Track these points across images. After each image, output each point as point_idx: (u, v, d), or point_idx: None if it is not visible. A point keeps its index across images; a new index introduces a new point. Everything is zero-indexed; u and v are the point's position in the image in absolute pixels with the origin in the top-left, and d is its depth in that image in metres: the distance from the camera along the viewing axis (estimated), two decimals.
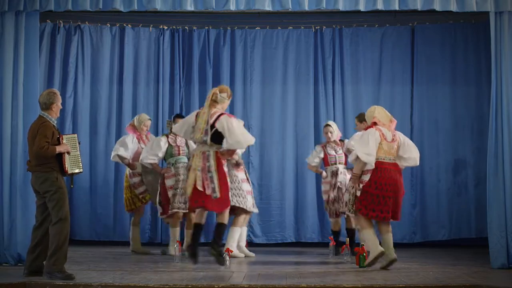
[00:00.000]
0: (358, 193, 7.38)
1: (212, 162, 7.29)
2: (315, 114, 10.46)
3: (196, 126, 7.36)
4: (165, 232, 10.01)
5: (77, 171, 6.78)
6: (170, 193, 8.56)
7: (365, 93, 10.46)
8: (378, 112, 7.56)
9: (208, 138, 7.30)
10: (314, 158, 9.03)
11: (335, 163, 8.93)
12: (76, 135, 6.99)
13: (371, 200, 7.31)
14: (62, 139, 6.68)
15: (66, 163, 6.63)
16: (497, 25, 7.76)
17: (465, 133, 10.26)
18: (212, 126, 7.30)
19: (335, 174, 8.88)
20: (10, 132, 7.69)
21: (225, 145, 7.34)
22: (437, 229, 10.15)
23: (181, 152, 8.76)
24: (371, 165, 7.31)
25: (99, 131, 10.35)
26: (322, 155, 8.98)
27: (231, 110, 10.46)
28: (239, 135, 7.32)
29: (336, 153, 8.95)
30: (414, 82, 10.40)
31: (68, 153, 6.66)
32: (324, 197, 9.01)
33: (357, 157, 7.32)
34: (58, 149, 6.57)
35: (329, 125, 9.07)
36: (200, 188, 7.25)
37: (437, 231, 10.15)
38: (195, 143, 7.66)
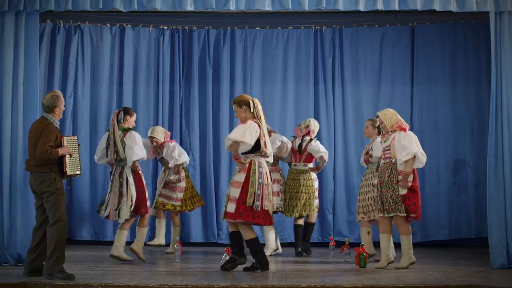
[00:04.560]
0: (404, 192, 7.41)
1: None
2: (315, 114, 10.44)
3: (266, 139, 7.28)
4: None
5: (76, 173, 6.78)
6: (147, 193, 8.20)
7: (365, 93, 10.47)
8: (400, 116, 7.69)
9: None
10: None
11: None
12: (76, 137, 6.97)
13: (418, 199, 7.53)
14: (63, 140, 6.69)
15: (66, 165, 6.64)
16: (497, 25, 7.76)
17: (465, 133, 10.26)
18: None
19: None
20: (10, 132, 7.69)
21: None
22: (437, 229, 10.15)
23: None
24: (423, 165, 7.55)
25: (99, 131, 10.33)
26: None
27: (232, 110, 10.47)
28: None
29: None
30: (414, 82, 10.39)
31: (70, 155, 6.67)
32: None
33: (413, 157, 7.42)
34: (61, 152, 6.58)
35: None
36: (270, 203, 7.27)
37: (437, 231, 10.15)
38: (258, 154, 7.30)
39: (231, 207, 7.13)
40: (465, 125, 10.26)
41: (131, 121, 8.18)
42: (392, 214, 7.42)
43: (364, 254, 7.58)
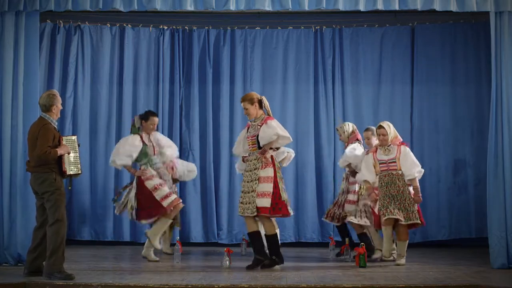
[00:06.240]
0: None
1: None
2: (315, 114, 10.45)
3: None
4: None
5: (75, 172, 6.77)
6: (157, 194, 8.05)
7: (365, 93, 10.46)
8: None
9: None
10: None
11: None
12: (75, 136, 6.96)
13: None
14: (62, 140, 6.68)
15: (65, 164, 6.64)
16: (497, 25, 7.76)
17: (465, 133, 10.26)
18: None
19: None
20: (10, 132, 7.69)
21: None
22: (437, 229, 10.15)
23: (155, 152, 8.33)
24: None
25: (99, 131, 10.34)
26: None
27: (232, 110, 10.49)
28: None
29: None
30: (414, 82, 10.39)
31: (68, 153, 6.67)
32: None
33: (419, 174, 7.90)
34: (59, 151, 6.58)
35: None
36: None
37: (437, 231, 10.14)
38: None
39: (266, 202, 7.31)
40: (465, 125, 10.26)
41: (146, 125, 8.23)
42: (411, 222, 7.77)
43: (364, 254, 7.58)
